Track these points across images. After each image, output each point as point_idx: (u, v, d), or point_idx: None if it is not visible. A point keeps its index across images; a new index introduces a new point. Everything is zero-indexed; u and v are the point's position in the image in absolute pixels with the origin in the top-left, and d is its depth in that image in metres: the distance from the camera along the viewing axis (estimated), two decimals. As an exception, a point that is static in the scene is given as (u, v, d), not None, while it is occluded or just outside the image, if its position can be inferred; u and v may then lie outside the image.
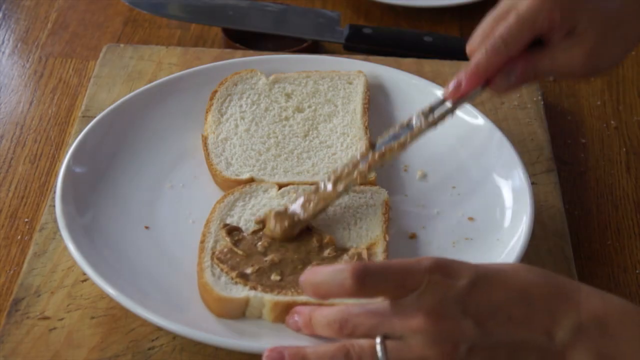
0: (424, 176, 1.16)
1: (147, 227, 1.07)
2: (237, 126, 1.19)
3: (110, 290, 0.95)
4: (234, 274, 0.98)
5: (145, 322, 0.98)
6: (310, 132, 1.19)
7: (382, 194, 1.10)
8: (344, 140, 1.18)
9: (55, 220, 1.05)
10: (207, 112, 1.20)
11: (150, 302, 0.95)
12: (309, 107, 1.23)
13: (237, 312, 0.97)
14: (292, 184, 1.11)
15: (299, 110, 1.22)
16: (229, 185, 1.11)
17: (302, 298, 0.95)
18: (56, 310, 1.00)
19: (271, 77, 1.26)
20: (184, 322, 0.93)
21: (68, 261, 1.05)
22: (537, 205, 1.12)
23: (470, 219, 1.10)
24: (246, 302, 0.96)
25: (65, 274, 1.04)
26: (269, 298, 0.96)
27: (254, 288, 0.97)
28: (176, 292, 1.00)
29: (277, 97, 1.23)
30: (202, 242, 1.03)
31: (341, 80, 1.27)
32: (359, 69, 1.27)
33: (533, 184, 1.15)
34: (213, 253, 1.01)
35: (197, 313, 0.97)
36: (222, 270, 0.99)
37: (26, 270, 1.04)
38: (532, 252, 1.08)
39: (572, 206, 1.22)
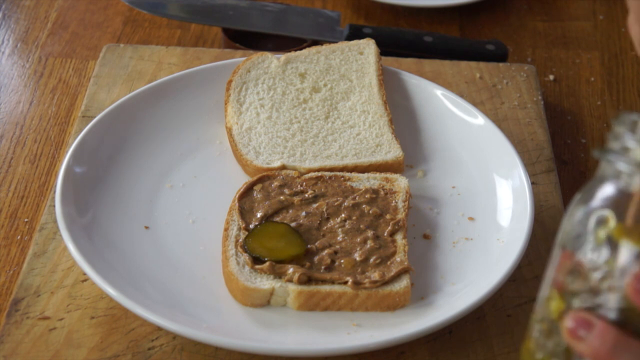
0: (424, 176, 1.16)
1: (147, 227, 1.07)
2: (258, 114, 1.19)
3: (110, 290, 0.95)
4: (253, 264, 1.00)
5: (145, 322, 0.98)
6: (331, 113, 1.20)
7: (402, 181, 1.11)
8: (365, 119, 1.19)
9: (55, 221, 1.05)
10: (225, 104, 1.21)
11: (150, 302, 0.96)
12: (325, 85, 1.24)
13: (262, 301, 0.98)
14: (323, 169, 1.12)
15: (316, 90, 1.23)
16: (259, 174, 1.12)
17: (325, 287, 0.97)
18: (56, 310, 1.00)
19: (282, 58, 1.26)
20: (184, 322, 0.93)
21: (68, 261, 1.05)
22: (537, 205, 1.13)
23: (470, 219, 1.10)
24: (271, 292, 0.97)
25: (65, 274, 1.04)
26: (293, 287, 0.97)
27: (277, 276, 0.98)
28: (176, 292, 1.00)
29: (291, 79, 1.24)
30: (226, 229, 1.04)
31: (352, 52, 1.28)
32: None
33: (533, 184, 1.15)
34: (237, 241, 1.02)
35: (196, 313, 0.97)
36: (245, 260, 1.00)
37: (26, 270, 1.04)
38: (532, 252, 1.08)
39: (572, 206, 1.22)
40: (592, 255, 0.74)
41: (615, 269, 0.73)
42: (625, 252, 0.72)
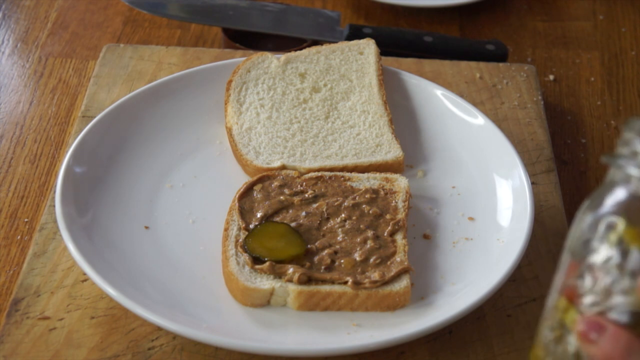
0: (424, 176, 1.16)
1: (147, 227, 1.07)
2: (258, 114, 1.19)
3: (110, 290, 0.95)
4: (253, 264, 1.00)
5: (145, 322, 0.98)
6: (331, 113, 1.20)
7: (402, 181, 1.11)
8: (365, 119, 1.19)
9: (55, 221, 1.05)
10: (225, 104, 1.21)
11: (150, 302, 0.96)
12: (325, 85, 1.24)
13: (262, 301, 0.98)
14: (323, 169, 1.12)
15: (316, 90, 1.23)
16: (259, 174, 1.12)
17: (325, 287, 0.97)
18: (56, 310, 1.00)
19: (282, 58, 1.26)
20: (184, 322, 0.93)
21: (68, 261, 1.05)
22: (537, 205, 1.13)
23: (470, 219, 1.10)
24: (271, 292, 0.98)
25: (65, 274, 1.04)
26: (293, 287, 0.97)
27: (277, 276, 0.98)
28: (176, 292, 1.00)
29: (291, 79, 1.24)
30: (226, 229, 1.04)
31: (352, 52, 1.28)
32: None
33: (533, 184, 1.15)
34: (237, 241, 1.02)
35: (196, 313, 0.97)
36: (245, 260, 1.00)
37: (26, 270, 1.04)
38: (532, 252, 1.08)
39: (572, 206, 1.22)
40: (602, 259, 0.74)
41: (626, 272, 0.73)
42: (636, 255, 0.73)
